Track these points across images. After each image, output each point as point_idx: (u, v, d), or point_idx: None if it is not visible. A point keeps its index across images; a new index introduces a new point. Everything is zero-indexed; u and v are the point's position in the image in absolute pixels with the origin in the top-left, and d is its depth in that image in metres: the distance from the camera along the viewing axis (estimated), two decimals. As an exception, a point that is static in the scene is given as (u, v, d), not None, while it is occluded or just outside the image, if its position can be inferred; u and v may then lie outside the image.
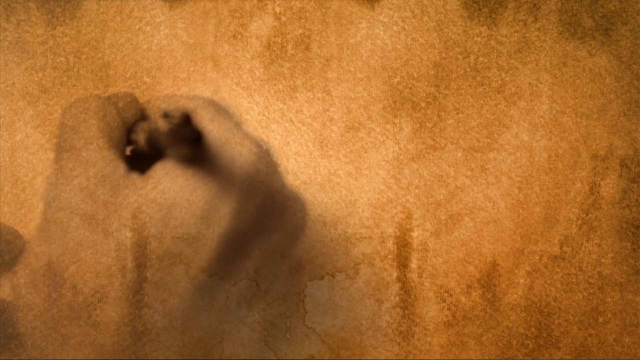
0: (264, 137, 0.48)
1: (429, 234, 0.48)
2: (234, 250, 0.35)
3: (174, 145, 0.36)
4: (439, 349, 0.46)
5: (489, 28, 0.49)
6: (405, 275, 0.47)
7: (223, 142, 0.37)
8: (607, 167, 0.49)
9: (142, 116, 0.42)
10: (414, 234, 0.47)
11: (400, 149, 0.49)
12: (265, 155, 0.37)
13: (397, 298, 0.43)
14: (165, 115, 0.35)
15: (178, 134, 0.34)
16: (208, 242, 0.35)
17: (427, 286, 0.48)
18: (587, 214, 0.49)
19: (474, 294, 0.48)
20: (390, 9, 0.50)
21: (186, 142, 0.34)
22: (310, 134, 0.48)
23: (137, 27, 0.50)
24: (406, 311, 0.45)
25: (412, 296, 0.46)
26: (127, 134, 0.41)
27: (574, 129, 0.49)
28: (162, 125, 0.36)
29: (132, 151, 0.41)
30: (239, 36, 0.50)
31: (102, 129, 0.39)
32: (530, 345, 0.49)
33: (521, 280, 0.49)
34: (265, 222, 0.37)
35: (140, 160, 0.40)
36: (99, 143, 0.39)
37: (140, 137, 0.40)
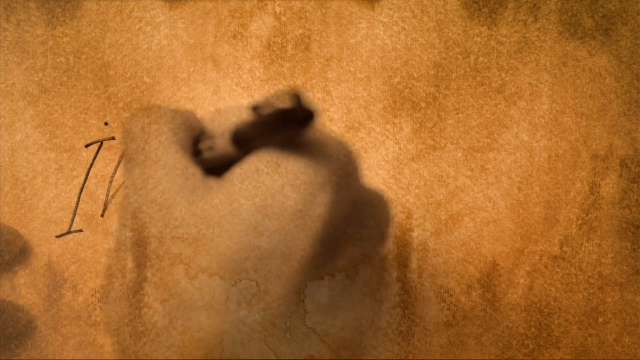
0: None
1: (429, 234, 0.48)
2: (327, 246, 0.36)
3: (277, 132, 0.35)
4: (439, 349, 0.46)
5: (489, 28, 0.49)
6: (405, 275, 0.47)
7: (317, 133, 0.36)
8: (607, 167, 0.49)
9: (203, 129, 0.40)
10: (414, 234, 0.47)
11: (400, 149, 0.49)
12: (350, 149, 0.37)
13: (397, 298, 0.43)
14: (255, 108, 0.35)
15: (286, 116, 0.33)
16: (302, 238, 0.35)
17: (427, 286, 0.48)
18: (587, 214, 0.49)
19: (474, 294, 0.48)
20: (390, 9, 0.50)
21: (296, 123, 0.34)
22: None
23: (137, 27, 0.50)
24: (406, 311, 0.45)
25: (412, 296, 0.46)
26: (194, 144, 0.39)
27: (574, 129, 0.49)
28: (260, 114, 0.35)
29: (201, 161, 0.40)
30: (239, 36, 0.50)
31: (174, 135, 0.38)
32: (530, 345, 0.49)
33: (521, 280, 0.49)
34: (356, 218, 0.37)
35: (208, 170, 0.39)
36: (173, 149, 0.38)
37: (218, 142, 0.38)
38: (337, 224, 0.36)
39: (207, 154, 0.39)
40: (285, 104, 0.34)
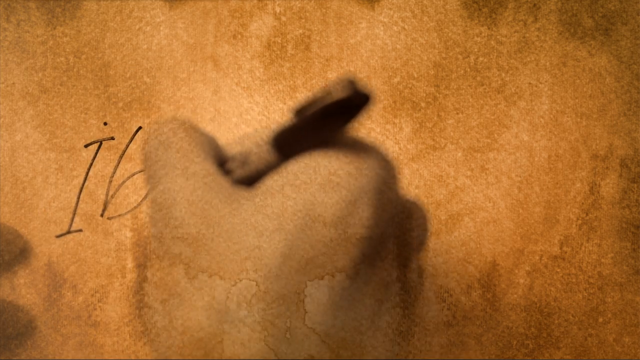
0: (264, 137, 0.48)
1: (429, 234, 0.48)
2: (370, 257, 0.36)
3: (326, 126, 0.35)
4: (439, 349, 0.46)
5: (489, 28, 0.49)
6: (405, 275, 0.47)
7: (355, 139, 0.37)
8: (607, 167, 0.49)
9: (226, 157, 0.40)
10: (414, 234, 0.47)
11: (400, 149, 0.49)
12: (387, 162, 0.37)
13: (397, 298, 0.43)
14: (299, 111, 0.35)
15: (342, 103, 0.34)
16: (348, 245, 0.35)
17: (427, 286, 0.48)
18: (587, 214, 0.49)
19: (474, 294, 0.48)
20: (390, 9, 0.50)
21: (353, 108, 0.33)
22: (310, 134, 0.48)
23: (137, 27, 0.50)
24: (406, 311, 0.45)
25: (412, 296, 0.46)
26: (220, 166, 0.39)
27: (574, 129, 0.49)
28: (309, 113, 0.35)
29: (234, 180, 0.39)
30: (239, 36, 0.50)
31: (200, 148, 0.38)
32: (530, 345, 0.49)
33: (521, 280, 0.49)
34: (398, 226, 0.37)
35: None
36: (201, 160, 0.37)
37: (254, 155, 0.38)
38: (380, 232, 0.36)
39: (239, 172, 0.38)
40: (340, 93, 0.34)
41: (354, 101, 0.33)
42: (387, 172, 0.37)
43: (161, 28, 0.50)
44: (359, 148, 0.36)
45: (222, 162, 0.39)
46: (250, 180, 0.38)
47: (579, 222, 0.49)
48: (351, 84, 0.34)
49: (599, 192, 0.49)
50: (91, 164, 0.44)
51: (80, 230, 0.46)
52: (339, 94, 0.34)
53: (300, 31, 0.50)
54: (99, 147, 0.49)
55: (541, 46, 0.49)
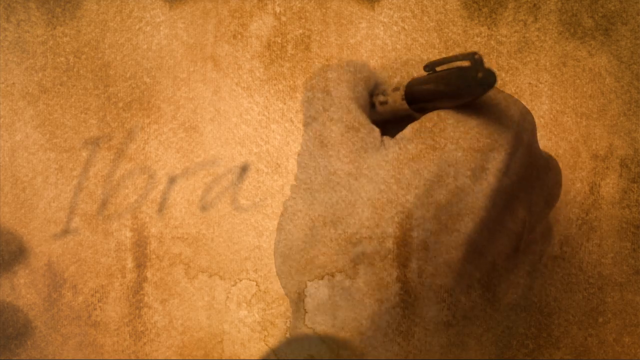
0: (264, 137, 0.48)
1: (429, 233, 0.48)
2: (501, 207, 0.36)
3: (451, 96, 0.36)
4: (439, 349, 0.46)
5: (489, 28, 0.49)
6: (405, 275, 0.47)
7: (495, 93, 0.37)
8: (607, 167, 0.49)
9: (377, 82, 0.41)
10: (414, 234, 0.47)
11: (400, 149, 0.49)
12: (527, 115, 0.37)
13: (397, 298, 0.43)
14: (429, 67, 0.36)
15: (465, 77, 0.34)
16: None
17: (427, 286, 0.48)
18: (587, 214, 0.49)
19: (474, 294, 0.48)
20: (390, 9, 0.50)
21: (480, 86, 0.34)
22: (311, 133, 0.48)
23: (137, 27, 0.50)
24: (406, 311, 0.45)
25: (412, 296, 0.46)
26: (370, 98, 0.41)
27: (574, 129, 0.49)
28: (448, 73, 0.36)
29: (374, 114, 0.41)
30: (239, 36, 0.50)
31: (352, 95, 0.39)
32: (530, 345, 0.49)
33: (521, 280, 0.49)
34: (528, 181, 0.37)
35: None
36: (352, 108, 0.39)
37: (391, 97, 0.40)
38: (510, 184, 0.36)
39: (380, 109, 0.40)
40: (466, 64, 0.34)
41: (477, 77, 0.33)
42: (526, 123, 0.37)
43: (161, 28, 0.50)
44: (495, 103, 0.37)
45: (372, 91, 0.41)
46: (390, 119, 0.40)
47: (579, 222, 0.49)
48: (479, 60, 0.34)
49: (599, 192, 0.49)
50: (89, 165, 0.44)
51: (77, 233, 0.46)
52: (465, 62, 0.34)
53: (300, 31, 0.50)
54: (98, 147, 0.49)
55: (541, 46, 0.49)
